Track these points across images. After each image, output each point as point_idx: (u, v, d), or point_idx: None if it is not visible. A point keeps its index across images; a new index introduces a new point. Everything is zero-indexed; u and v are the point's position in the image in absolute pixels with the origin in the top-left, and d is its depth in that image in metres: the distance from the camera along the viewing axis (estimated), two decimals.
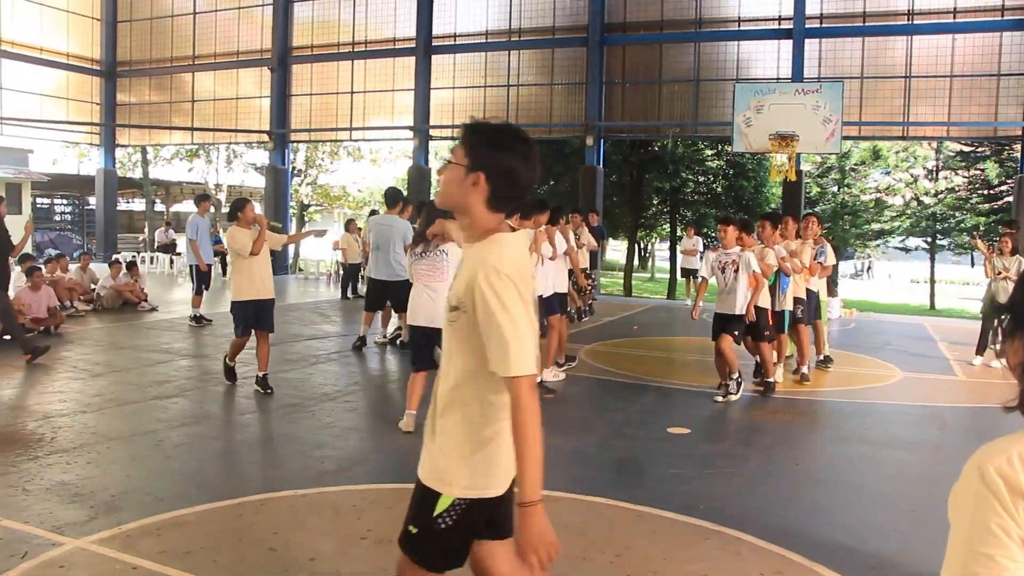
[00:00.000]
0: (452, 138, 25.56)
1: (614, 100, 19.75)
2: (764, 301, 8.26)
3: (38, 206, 33.15)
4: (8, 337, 10.53)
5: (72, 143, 30.93)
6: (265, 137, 23.77)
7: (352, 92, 22.45)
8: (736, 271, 7.94)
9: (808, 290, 9.35)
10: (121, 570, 3.93)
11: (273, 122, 23.18)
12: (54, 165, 35.29)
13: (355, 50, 22.34)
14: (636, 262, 39.96)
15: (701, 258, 19.58)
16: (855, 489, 5.58)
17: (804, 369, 9.16)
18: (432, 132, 21.75)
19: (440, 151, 32.09)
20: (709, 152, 26.68)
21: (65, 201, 36.22)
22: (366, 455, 5.99)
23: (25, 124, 24.23)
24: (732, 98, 16.88)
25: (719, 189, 26.95)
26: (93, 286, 14.48)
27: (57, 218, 36.11)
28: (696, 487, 5.47)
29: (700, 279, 8.87)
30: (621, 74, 19.63)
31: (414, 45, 21.29)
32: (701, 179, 27.34)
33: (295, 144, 28.46)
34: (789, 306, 8.95)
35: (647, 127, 20.25)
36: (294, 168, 32.27)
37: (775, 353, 8.80)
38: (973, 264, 41.26)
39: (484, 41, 20.84)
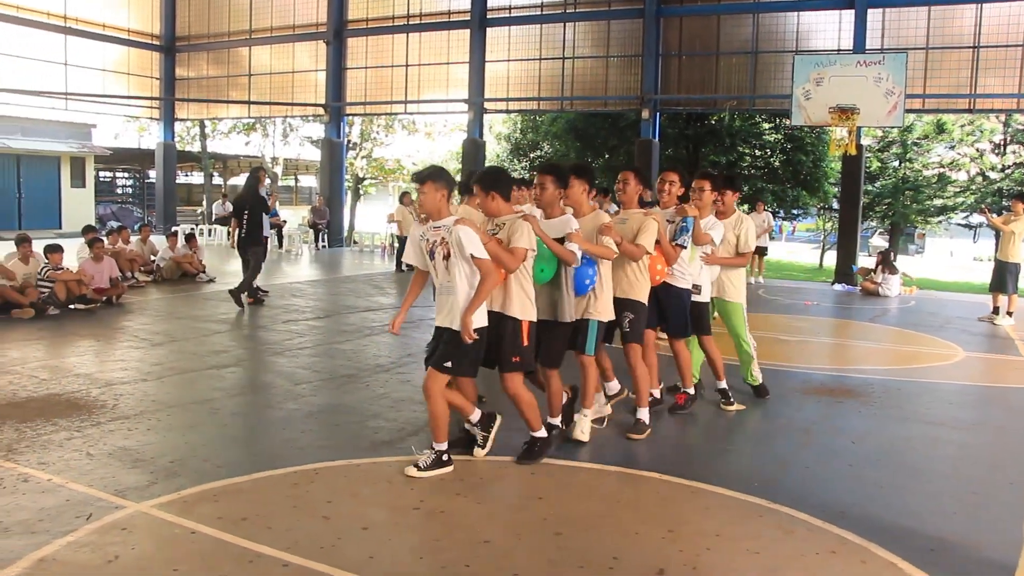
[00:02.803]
0: (507, 111, 25.53)
1: (670, 72, 19.46)
2: (519, 307, 5.07)
3: (101, 179, 33.91)
4: (78, 307, 10.82)
5: (133, 117, 31.46)
6: (321, 110, 23.92)
7: (407, 65, 22.45)
8: (447, 257, 4.85)
9: (669, 287, 6.25)
10: (180, 534, 4.02)
11: (329, 95, 23.31)
12: (116, 139, 35.98)
13: (410, 23, 22.32)
14: None
15: (770, 236, 19.12)
16: (914, 470, 5.46)
17: (643, 413, 5.95)
18: (487, 105, 21.67)
19: (495, 124, 32.05)
20: (767, 125, 26.20)
21: (126, 174, 37.00)
22: (419, 426, 6.02)
23: (89, 99, 24.72)
24: (791, 70, 16.55)
25: (776, 163, 26.47)
26: (153, 257, 14.77)
27: (119, 191, 36.93)
28: (750, 464, 5.42)
29: (414, 271, 5.33)
30: (678, 46, 19.32)
31: (469, 18, 21.19)
32: (758, 153, 26.86)
33: (350, 117, 28.59)
34: (600, 314, 5.58)
35: (704, 100, 19.94)
36: (349, 141, 32.45)
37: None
38: None
39: (539, 13, 20.67)
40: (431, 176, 4.90)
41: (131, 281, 13.30)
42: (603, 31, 20.04)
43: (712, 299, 6.85)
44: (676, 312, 6.36)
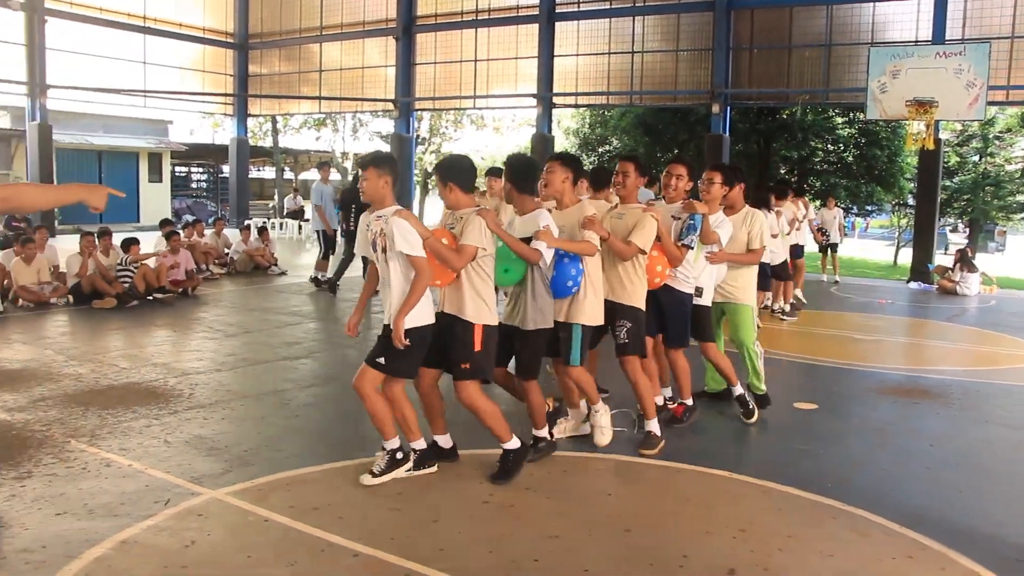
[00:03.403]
0: (576, 106, 25.43)
1: (741, 66, 19.18)
2: (472, 309, 4.61)
3: (176, 174, 34.81)
4: (156, 296, 11.10)
5: (207, 114, 32.21)
6: (390, 106, 24.17)
7: (476, 60, 22.53)
8: (384, 250, 4.52)
9: (671, 291, 5.66)
10: (254, 522, 4.10)
11: (398, 91, 23.52)
12: (191, 135, 36.89)
13: (478, 18, 22.40)
14: None
15: (843, 233, 18.67)
16: (995, 474, 5.29)
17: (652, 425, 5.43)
18: (555, 100, 21.63)
19: (563, 119, 31.99)
20: (840, 120, 25.67)
21: (201, 169, 37.90)
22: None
23: (166, 96, 25.40)
24: (866, 63, 16.13)
25: (850, 158, 25.92)
26: (227, 250, 15.11)
27: (194, 185, 37.85)
28: (824, 464, 5.30)
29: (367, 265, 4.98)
30: (749, 39, 19.03)
31: (537, 12, 21.16)
32: (831, 148, 26.34)
33: (419, 112, 28.86)
34: (585, 317, 5.03)
35: (775, 94, 19.60)
36: (418, 136, 32.76)
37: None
38: None
39: (608, 7, 20.55)
40: (373, 162, 4.56)
41: (206, 273, 13.63)
42: (672, 25, 19.83)
43: (716, 303, 6.24)
44: (676, 318, 5.72)
